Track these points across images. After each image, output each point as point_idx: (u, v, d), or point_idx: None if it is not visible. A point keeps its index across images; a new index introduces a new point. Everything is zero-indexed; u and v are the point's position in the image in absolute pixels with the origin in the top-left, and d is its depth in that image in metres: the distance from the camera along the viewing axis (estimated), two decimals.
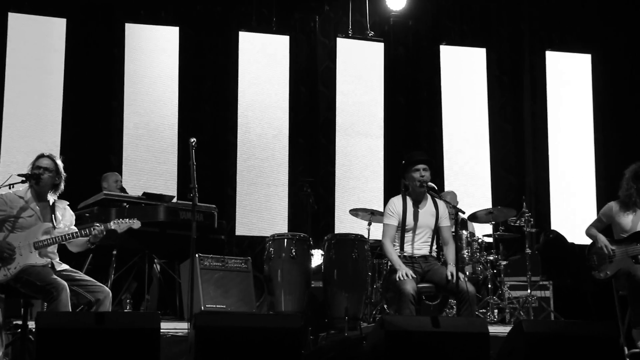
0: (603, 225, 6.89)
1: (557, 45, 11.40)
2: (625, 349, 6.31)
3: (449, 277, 6.18)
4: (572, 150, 11.22)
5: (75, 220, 6.27)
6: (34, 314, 5.10)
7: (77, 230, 5.96)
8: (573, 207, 10.94)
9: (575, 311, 8.54)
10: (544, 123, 11.24)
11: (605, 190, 10.50)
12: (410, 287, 6.04)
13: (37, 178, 5.89)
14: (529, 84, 11.42)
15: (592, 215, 8.63)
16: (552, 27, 11.43)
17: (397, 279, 6.13)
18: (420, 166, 6.48)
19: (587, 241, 6.88)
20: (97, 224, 5.94)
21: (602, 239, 6.69)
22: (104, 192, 8.04)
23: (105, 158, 9.94)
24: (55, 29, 10.09)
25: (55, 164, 6.00)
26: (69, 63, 10.07)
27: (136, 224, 6.14)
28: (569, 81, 11.39)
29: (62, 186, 6.05)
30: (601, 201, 9.88)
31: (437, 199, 6.63)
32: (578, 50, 11.43)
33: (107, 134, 10.11)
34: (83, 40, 10.16)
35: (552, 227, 10.53)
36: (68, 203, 6.21)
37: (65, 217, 6.10)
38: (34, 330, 4.96)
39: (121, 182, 9.00)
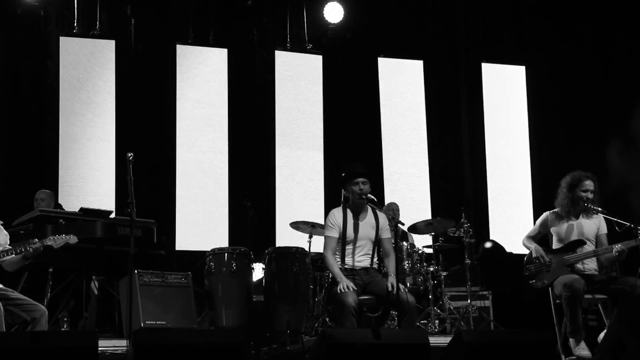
0: (539, 235, 6.99)
1: (492, 57, 11.57)
2: (563, 356, 6.41)
3: (390, 289, 6.20)
4: (509, 161, 11.37)
5: (10, 238, 6.14)
6: None
7: (11, 247, 5.84)
8: (511, 216, 11.09)
9: (514, 320, 8.65)
10: (481, 134, 11.38)
11: (542, 199, 10.65)
12: (351, 299, 6.05)
13: None
14: (465, 95, 11.59)
15: (529, 225, 8.75)
16: (487, 39, 11.61)
17: (339, 291, 6.13)
18: (360, 179, 6.50)
19: (525, 251, 6.97)
20: (35, 240, 5.82)
21: (538, 249, 6.79)
22: (40, 208, 7.89)
23: (40, 174, 9.75)
24: None
25: None
26: (2, 76, 9.87)
27: (73, 239, 6.05)
28: (505, 92, 11.56)
29: None
30: (538, 210, 10.03)
31: (377, 211, 6.66)
32: (512, 62, 11.62)
33: (42, 149, 9.92)
34: (17, 53, 9.98)
35: (491, 237, 10.65)
36: (2, 222, 6.08)
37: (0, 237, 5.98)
38: None
39: (53, 198, 8.81)
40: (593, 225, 6.77)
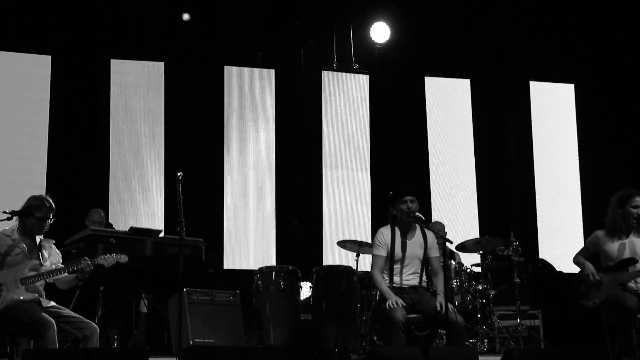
0: (590, 254, 6.88)
1: (540, 75, 11.50)
2: None
3: (438, 308, 6.16)
4: (558, 179, 11.27)
5: (62, 257, 6.24)
6: (20, 352, 5.05)
7: (64, 266, 5.93)
8: (560, 235, 10.97)
9: (565, 339, 8.53)
10: (529, 152, 11.30)
11: (591, 218, 10.54)
12: (400, 314, 6.03)
13: (42, 228, 5.93)
14: (513, 114, 11.51)
15: (579, 244, 8.63)
16: (535, 57, 11.54)
17: (387, 307, 6.12)
18: (408, 197, 6.48)
19: (575, 269, 6.88)
20: (86, 258, 5.91)
21: (589, 266, 6.68)
22: (91, 227, 8.01)
23: (91, 194, 9.90)
24: (40, 65, 10.09)
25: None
26: (54, 99, 10.06)
27: (123, 258, 6.12)
28: (553, 110, 11.47)
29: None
30: (588, 229, 9.92)
31: (425, 229, 6.64)
32: (561, 80, 11.53)
33: (93, 169, 10.09)
34: (68, 76, 10.17)
35: (540, 256, 10.54)
36: (54, 242, 6.19)
37: (52, 255, 6.08)
38: None
39: (104, 217, 8.93)
40: None
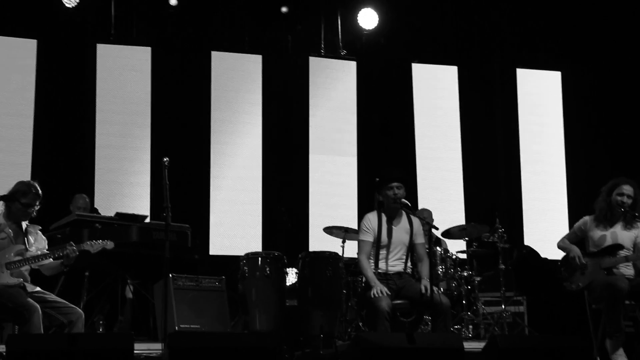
0: (576, 239, 6.89)
1: (527, 62, 11.51)
2: None
3: (423, 291, 6.19)
4: (544, 166, 11.31)
5: (47, 242, 6.22)
6: (5, 337, 5.04)
7: (49, 252, 5.92)
8: (545, 222, 11.02)
9: (549, 326, 8.58)
10: (515, 139, 11.33)
11: (577, 205, 10.59)
12: (385, 303, 6.04)
13: (27, 215, 5.90)
14: (500, 101, 11.53)
15: (564, 230, 8.64)
16: (522, 44, 11.55)
17: (372, 296, 6.13)
18: (395, 184, 6.49)
19: (560, 256, 6.91)
20: (71, 243, 5.90)
21: (576, 249, 6.69)
22: (76, 213, 7.98)
23: (77, 179, 9.86)
24: (25, 49, 10.02)
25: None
26: (40, 83, 10.00)
27: (110, 244, 6.11)
28: (540, 98, 11.50)
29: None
30: (573, 216, 9.97)
31: (411, 216, 6.65)
32: (548, 68, 11.55)
33: (78, 154, 10.04)
34: (54, 61, 10.11)
35: (525, 243, 10.58)
36: (40, 228, 6.17)
37: (38, 241, 6.07)
38: (4, 353, 4.89)
39: (89, 203, 8.90)
40: (632, 231, 6.64)
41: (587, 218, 6.86)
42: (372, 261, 6.50)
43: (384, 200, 6.60)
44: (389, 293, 6.20)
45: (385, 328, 5.96)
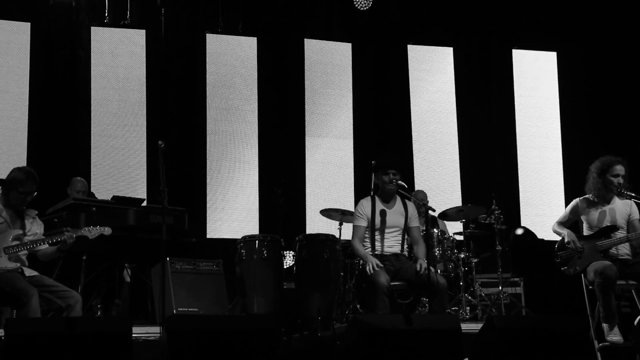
0: (570, 222, 6.91)
1: (523, 43, 11.49)
2: (596, 342, 6.37)
3: (418, 269, 6.21)
4: (540, 147, 11.31)
5: (44, 226, 6.22)
6: (3, 321, 5.04)
7: (45, 237, 5.93)
8: (542, 203, 11.04)
9: (546, 307, 8.61)
10: (511, 120, 11.33)
11: (573, 185, 10.59)
12: (383, 278, 6.08)
13: (24, 202, 5.88)
14: (496, 82, 11.52)
15: (560, 211, 8.67)
16: (518, 25, 11.52)
17: (369, 272, 6.16)
18: (391, 171, 6.53)
19: (557, 237, 6.92)
20: (67, 228, 5.89)
21: (571, 234, 6.70)
22: (73, 197, 7.97)
23: (73, 163, 9.83)
24: (19, 32, 9.97)
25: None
26: (34, 67, 9.95)
27: (107, 230, 6.12)
28: (536, 79, 11.49)
29: None
30: (569, 196, 9.95)
31: (406, 200, 6.67)
32: (544, 48, 11.53)
33: (74, 138, 10.01)
34: (48, 44, 10.06)
35: (522, 224, 10.59)
36: (37, 212, 6.17)
37: (34, 226, 6.07)
38: (2, 337, 4.90)
39: (87, 186, 8.87)
40: (625, 210, 6.68)
41: (577, 200, 6.86)
42: (368, 245, 6.53)
43: (379, 183, 6.63)
44: (382, 265, 6.22)
45: (384, 303, 6.00)
